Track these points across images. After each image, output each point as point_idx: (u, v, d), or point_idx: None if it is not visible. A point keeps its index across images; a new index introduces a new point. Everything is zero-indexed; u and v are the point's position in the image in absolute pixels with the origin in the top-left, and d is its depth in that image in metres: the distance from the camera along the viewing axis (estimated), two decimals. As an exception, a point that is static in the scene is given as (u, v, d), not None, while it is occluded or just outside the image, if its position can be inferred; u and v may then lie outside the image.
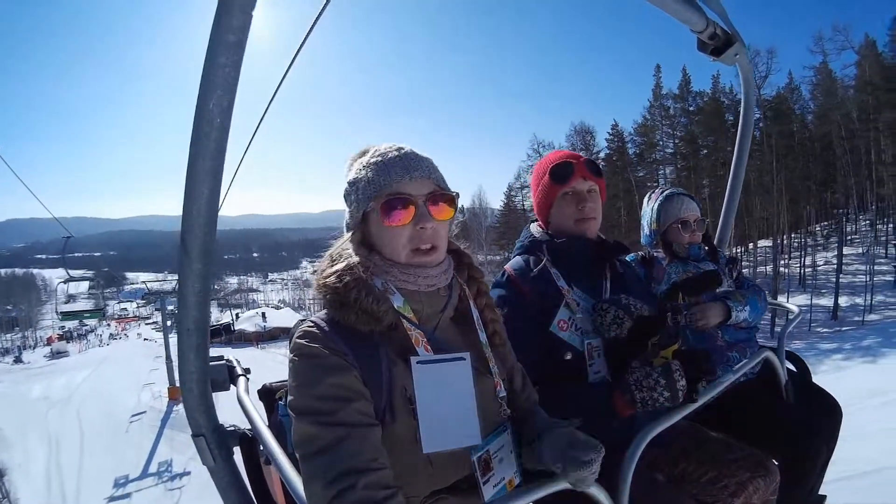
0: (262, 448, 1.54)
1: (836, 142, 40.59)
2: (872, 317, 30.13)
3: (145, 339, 69.36)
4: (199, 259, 1.29)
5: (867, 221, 43.09)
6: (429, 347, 1.24)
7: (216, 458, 1.57)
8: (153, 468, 16.93)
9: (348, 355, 1.16)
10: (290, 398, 1.14)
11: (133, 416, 23.04)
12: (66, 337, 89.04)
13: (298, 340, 1.19)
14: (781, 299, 21.96)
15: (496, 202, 53.63)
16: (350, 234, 1.33)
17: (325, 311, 1.29)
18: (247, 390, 1.69)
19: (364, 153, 1.38)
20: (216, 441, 1.57)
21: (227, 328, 63.02)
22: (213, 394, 1.60)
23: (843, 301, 33.56)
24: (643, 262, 2.48)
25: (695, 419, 1.70)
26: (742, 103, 2.86)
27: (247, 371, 1.80)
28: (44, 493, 15.85)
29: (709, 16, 2.13)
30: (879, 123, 38.87)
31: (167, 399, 24.09)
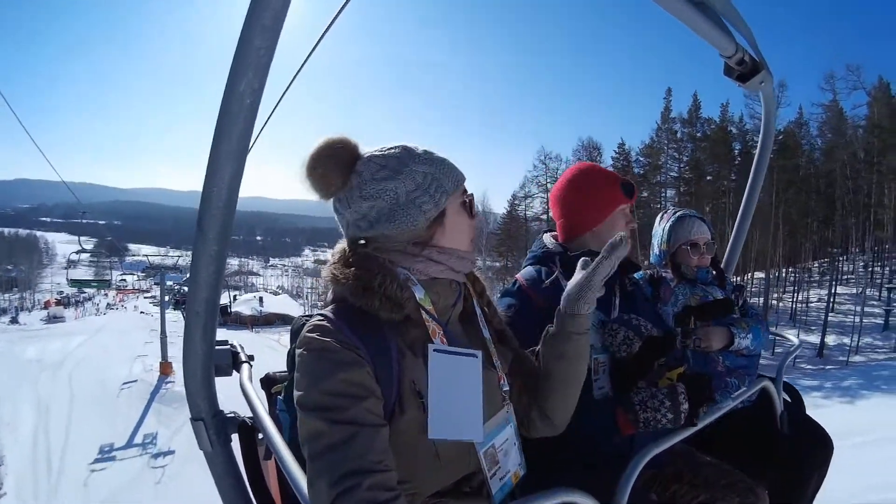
0: (260, 437, 1.58)
1: (839, 181, 40.84)
2: (857, 358, 30.28)
3: (142, 313, 69.42)
4: (216, 240, 1.26)
5: (862, 263, 43.31)
6: (445, 339, 1.24)
7: (213, 444, 1.57)
8: (138, 439, 16.95)
9: (361, 350, 1.15)
10: (297, 393, 1.12)
11: (124, 383, 23.09)
12: (64, 302, 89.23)
13: (309, 334, 1.17)
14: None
15: (499, 208, 53.87)
16: (425, 231, 1.26)
17: (333, 305, 1.26)
18: (250, 378, 1.67)
19: (347, 143, 1.30)
20: (215, 426, 1.56)
21: (223, 309, 62.16)
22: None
23: (832, 340, 33.96)
24: (651, 281, 2.45)
25: (688, 442, 1.70)
26: (762, 130, 2.84)
27: (251, 358, 1.79)
28: (30, 452, 15.83)
29: (738, 41, 2.13)
30: (883, 166, 39.22)
31: (158, 374, 24.07)
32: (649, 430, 1.54)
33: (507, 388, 1.36)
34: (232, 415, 1.62)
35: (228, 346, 1.73)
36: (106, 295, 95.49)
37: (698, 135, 45.89)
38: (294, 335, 1.39)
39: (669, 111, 46.83)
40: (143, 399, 20.73)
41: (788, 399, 2.55)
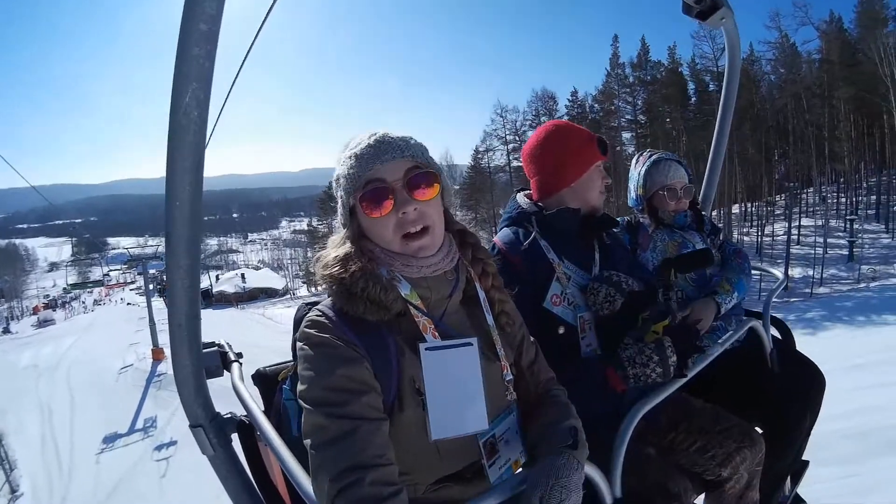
0: (258, 433, 1.53)
1: (792, 115, 40.96)
2: (822, 290, 30.43)
3: (128, 304, 68.74)
4: (185, 255, 1.25)
5: (821, 196, 43.71)
6: (436, 334, 1.22)
7: (215, 448, 1.58)
8: (139, 424, 17.74)
9: (359, 346, 1.15)
10: (300, 387, 1.12)
11: (121, 370, 23.72)
12: (52, 305, 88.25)
13: (307, 330, 1.17)
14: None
15: (464, 160, 54.14)
16: (345, 231, 1.29)
17: (331, 299, 1.26)
18: (241, 377, 1.65)
19: (345, 147, 1.32)
20: (214, 430, 1.58)
21: (206, 293, 62.35)
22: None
23: (798, 273, 33.66)
24: (629, 228, 2.47)
25: (681, 388, 1.65)
26: (727, 66, 2.79)
27: (239, 356, 1.76)
28: (39, 453, 16.52)
29: None
30: (835, 99, 39.13)
31: (151, 360, 24.63)
32: (640, 386, 1.54)
33: (510, 377, 1.32)
34: (229, 416, 1.63)
35: (216, 348, 1.72)
36: (91, 292, 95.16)
37: (647, 78, 46.04)
38: (297, 323, 1.33)
39: (618, 57, 46.69)
40: (140, 386, 21.30)
41: (779, 335, 2.54)
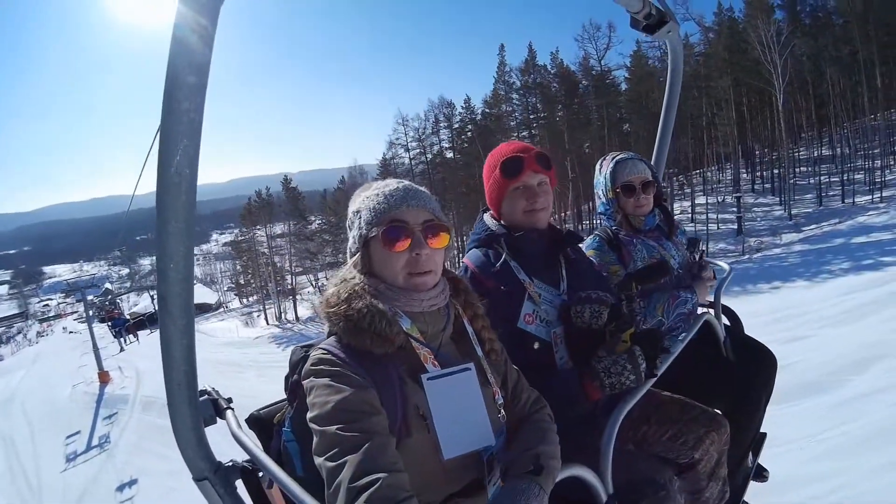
0: (261, 475, 1.59)
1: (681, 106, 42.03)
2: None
3: (71, 332, 66.01)
4: (181, 315, 1.26)
5: (704, 176, 46.71)
6: (436, 363, 1.28)
7: (223, 497, 1.57)
8: (95, 441, 18.79)
9: (366, 378, 1.20)
10: (311, 413, 1.15)
11: (71, 394, 24.20)
12: None
13: (316, 367, 1.21)
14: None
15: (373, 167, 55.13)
16: (353, 259, 1.38)
17: (333, 337, 1.31)
18: (238, 425, 1.59)
19: (369, 187, 1.43)
20: (220, 481, 1.57)
21: (151, 318, 58.43)
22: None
23: None
24: (611, 245, 2.41)
25: None
26: (668, 73, 2.90)
27: (229, 401, 1.71)
28: (8, 478, 17.23)
29: None
30: (714, 90, 41.88)
31: (98, 383, 25.05)
32: (615, 392, 1.59)
33: (501, 401, 1.39)
34: (230, 464, 1.63)
35: (207, 397, 1.67)
36: (33, 323, 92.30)
37: (536, 81, 48.88)
38: (294, 366, 1.39)
39: (505, 65, 49.46)
40: (91, 407, 22.00)
41: (728, 323, 2.64)
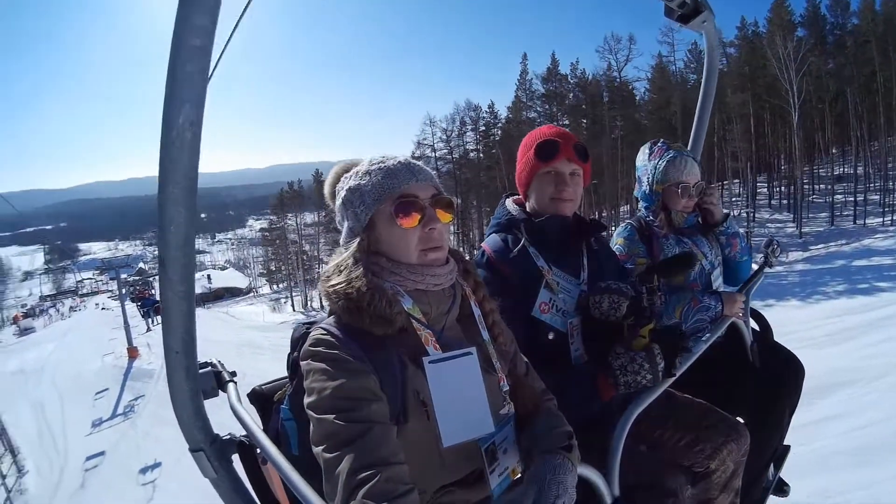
0: (258, 451, 1.50)
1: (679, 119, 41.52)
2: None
3: (103, 308, 66.16)
4: (181, 281, 1.22)
5: (729, 187, 45.68)
6: (438, 346, 1.21)
7: (217, 470, 1.53)
8: (120, 410, 19.52)
9: (365, 361, 1.14)
10: (309, 399, 1.10)
11: (101, 366, 24.98)
12: (30, 314, 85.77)
13: (314, 348, 1.15)
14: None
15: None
16: (356, 240, 1.27)
17: (332, 317, 1.25)
18: (238, 398, 1.55)
19: (352, 164, 1.36)
20: (215, 453, 1.53)
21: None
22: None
23: None
24: (642, 236, 2.33)
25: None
26: (705, 65, 2.78)
27: (233, 374, 1.68)
28: (37, 440, 18.17)
29: None
30: (726, 106, 40.59)
31: (127, 358, 25.62)
32: (631, 391, 1.50)
33: (506, 388, 1.32)
34: (228, 437, 1.58)
35: (210, 369, 1.64)
36: (63, 303, 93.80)
37: (548, 91, 49.37)
38: (295, 343, 1.35)
39: (526, 73, 49.89)
40: (118, 380, 22.68)
41: (757, 328, 2.50)
